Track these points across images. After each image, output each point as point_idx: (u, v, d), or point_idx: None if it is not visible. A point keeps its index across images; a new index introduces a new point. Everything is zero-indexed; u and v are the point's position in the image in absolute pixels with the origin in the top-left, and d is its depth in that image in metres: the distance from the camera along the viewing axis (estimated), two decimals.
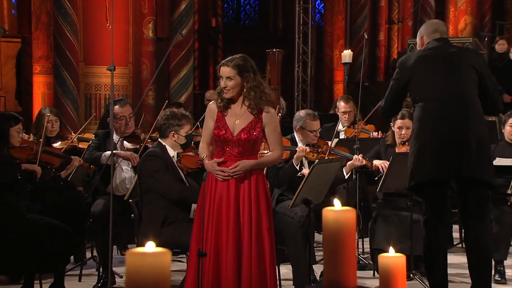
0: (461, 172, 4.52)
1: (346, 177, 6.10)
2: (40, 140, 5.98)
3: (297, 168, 5.72)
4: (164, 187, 4.94)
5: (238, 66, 4.33)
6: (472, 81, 4.64)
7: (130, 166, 5.86)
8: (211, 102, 4.50)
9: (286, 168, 5.72)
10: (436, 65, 4.69)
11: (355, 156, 5.98)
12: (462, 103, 4.58)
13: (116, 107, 5.84)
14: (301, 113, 6.05)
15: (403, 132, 6.07)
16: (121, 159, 5.83)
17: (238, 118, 4.35)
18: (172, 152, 5.16)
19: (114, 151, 5.67)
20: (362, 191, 6.51)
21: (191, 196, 4.91)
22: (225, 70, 4.33)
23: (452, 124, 4.54)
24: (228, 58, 4.41)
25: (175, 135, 5.15)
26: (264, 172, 4.63)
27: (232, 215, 4.26)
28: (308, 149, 5.78)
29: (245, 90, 4.31)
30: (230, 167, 4.28)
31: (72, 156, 6.03)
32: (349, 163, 6.01)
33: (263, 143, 4.71)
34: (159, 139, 5.24)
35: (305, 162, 5.92)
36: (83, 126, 6.82)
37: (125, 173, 5.90)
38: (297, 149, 5.74)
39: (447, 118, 4.55)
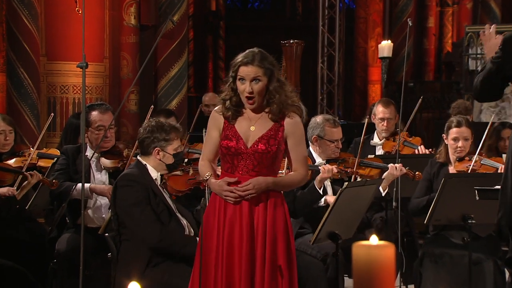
0: None
1: (383, 194, 6.10)
2: None
3: (320, 192, 5.74)
4: (140, 230, 4.94)
5: (265, 62, 4.27)
6: None
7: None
8: (216, 108, 4.44)
9: (306, 193, 5.73)
10: None
11: (391, 165, 5.99)
12: None
13: (95, 113, 5.89)
14: (318, 119, 6.08)
15: (460, 144, 6.04)
16: (97, 188, 5.84)
17: (253, 124, 4.34)
18: (154, 174, 5.15)
19: (89, 185, 5.68)
20: (405, 223, 6.51)
21: (174, 244, 4.93)
22: (251, 70, 4.25)
23: None
24: (248, 55, 4.30)
25: (160, 153, 5.14)
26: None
27: (245, 248, 4.26)
28: (335, 169, 5.77)
29: (268, 93, 4.27)
30: (240, 185, 4.28)
31: (29, 172, 6.02)
32: (385, 173, 6.03)
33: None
34: (139, 157, 5.22)
35: (328, 186, 5.92)
36: (41, 134, 6.75)
37: (101, 198, 5.92)
38: (320, 168, 5.74)
39: None
